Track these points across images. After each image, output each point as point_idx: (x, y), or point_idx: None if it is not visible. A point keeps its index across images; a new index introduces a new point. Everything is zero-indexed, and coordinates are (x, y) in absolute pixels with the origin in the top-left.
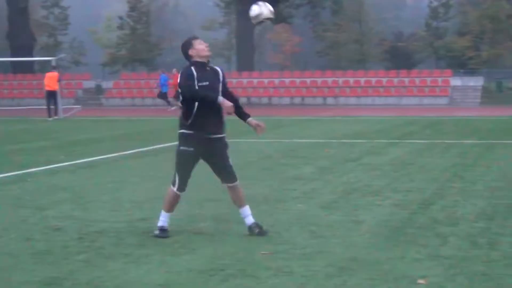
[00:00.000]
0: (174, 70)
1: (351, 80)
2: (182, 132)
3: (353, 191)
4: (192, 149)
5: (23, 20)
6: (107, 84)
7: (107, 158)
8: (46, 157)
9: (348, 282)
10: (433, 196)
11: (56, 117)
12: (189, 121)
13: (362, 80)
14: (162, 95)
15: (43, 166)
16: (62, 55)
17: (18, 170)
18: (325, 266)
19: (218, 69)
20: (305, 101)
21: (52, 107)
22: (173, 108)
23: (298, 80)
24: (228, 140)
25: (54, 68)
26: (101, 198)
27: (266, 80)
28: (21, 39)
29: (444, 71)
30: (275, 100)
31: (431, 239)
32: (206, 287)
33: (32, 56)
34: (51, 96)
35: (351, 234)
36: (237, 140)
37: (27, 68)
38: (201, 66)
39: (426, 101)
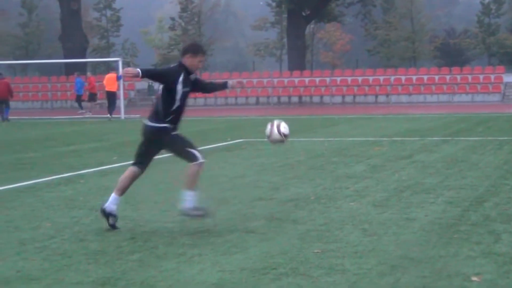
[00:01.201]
0: (89, 74)
1: (403, 78)
2: (165, 126)
3: (405, 189)
4: (173, 125)
5: (76, 22)
6: (159, 85)
7: (159, 158)
8: (98, 158)
9: (401, 280)
10: (486, 193)
11: (110, 117)
12: (167, 118)
13: (414, 77)
14: (77, 98)
15: (95, 168)
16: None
17: (70, 172)
18: (378, 264)
19: (192, 75)
20: (357, 99)
21: (110, 107)
22: (84, 111)
23: (349, 79)
24: None
25: (113, 69)
26: (153, 198)
27: (317, 79)
28: (74, 41)
29: (496, 68)
30: (326, 99)
31: (484, 236)
32: (258, 286)
33: (84, 58)
34: (111, 96)
35: (403, 231)
36: (289, 139)
37: (80, 70)
38: (188, 74)
39: (478, 98)
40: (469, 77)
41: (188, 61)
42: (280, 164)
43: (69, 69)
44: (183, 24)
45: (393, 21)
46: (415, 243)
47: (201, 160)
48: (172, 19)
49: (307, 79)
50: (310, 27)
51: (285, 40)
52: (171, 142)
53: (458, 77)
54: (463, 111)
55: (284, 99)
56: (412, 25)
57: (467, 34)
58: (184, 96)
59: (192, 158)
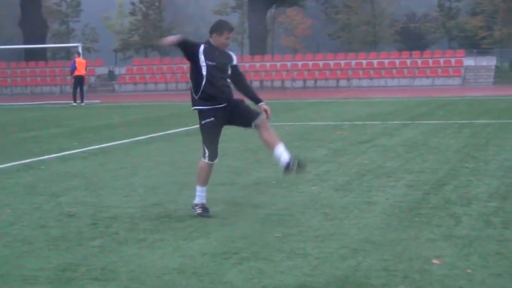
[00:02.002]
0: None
1: (364, 62)
2: (198, 109)
3: (367, 173)
4: (213, 118)
5: (36, 7)
6: (119, 70)
7: (120, 144)
8: (59, 144)
9: (362, 263)
10: (446, 177)
11: (82, 103)
12: (199, 97)
13: (375, 62)
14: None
15: (55, 153)
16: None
17: (30, 158)
18: (339, 248)
19: (232, 54)
20: (318, 84)
21: (78, 92)
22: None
23: (310, 63)
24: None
25: (79, 54)
26: (114, 184)
27: (278, 64)
28: (34, 26)
29: (457, 52)
30: (287, 84)
31: (444, 219)
32: (220, 271)
33: (44, 43)
34: (80, 81)
35: (364, 215)
36: None
37: (40, 55)
38: (213, 48)
39: (439, 82)
40: (430, 61)
41: (215, 40)
42: (242, 148)
43: (29, 55)
44: (143, 9)
45: (353, 6)
46: (376, 227)
47: (206, 161)
48: (133, 4)
49: (268, 64)
50: (271, 12)
51: (246, 24)
52: (199, 128)
53: (419, 61)
54: (424, 95)
55: None
56: (373, 9)
57: (428, 18)
58: (211, 71)
59: (203, 154)
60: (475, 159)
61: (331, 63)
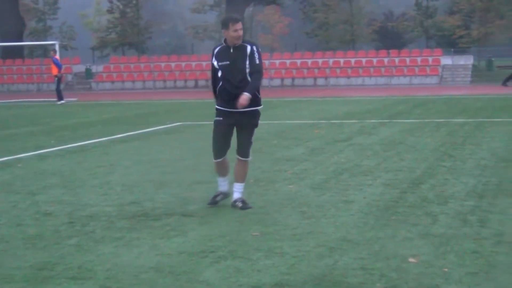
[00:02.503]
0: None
1: (341, 60)
2: (215, 107)
3: (344, 171)
4: (221, 118)
5: (12, 5)
6: (97, 68)
7: (97, 142)
8: (36, 142)
9: (339, 262)
10: (423, 175)
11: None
12: (217, 100)
13: (352, 60)
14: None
15: (32, 152)
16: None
17: (7, 156)
18: (316, 247)
19: (248, 45)
20: (296, 82)
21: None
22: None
23: (288, 62)
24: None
25: (55, 52)
26: (91, 182)
27: None
28: (10, 24)
29: (434, 50)
30: (265, 82)
31: (421, 218)
32: (197, 269)
33: (21, 41)
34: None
35: (341, 214)
36: None
37: (17, 53)
38: (226, 48)
39: (416, 80)
40: (407, 59)
41: (226, 37)
42: None
43: (6, 53)
44: (121, 6)
45: (331, 4)
46: (353, 225)
47: (213, 159)
48: (110, 1)
49: None
50: (249, 10)
51: None
52: None
53: (396, 59)
54: (401, 93)
55: None
56: (351, 8)
57: (405, 17)
58: (225, 71)
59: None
60: (452, 157)
61: (309, 61)
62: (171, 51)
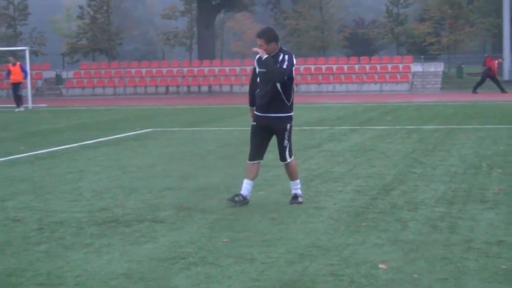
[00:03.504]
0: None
1: (312, 67)
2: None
3: (314, 178)
4: (255, 123)
5: None
6: (67, 74)
7: (67, 148)
8: (5, 148)
9: (309, 268)
10: (393, 182)
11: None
12: (256, 105)
13: (323, 67)
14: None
15: (2, 158)
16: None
17: None
18: (286, 253)
19: (281, 54)
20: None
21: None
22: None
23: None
24: (289, 124)
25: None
26: (61, 188)
27: (227, 69)
28: None
29: (404, 57)
30: (236, 88)
31: (391, 224)
32: (167, 276)
33: None
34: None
35: (312, 220)
36: (198, 129)
37: None
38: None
39: (387, 87)
40: (378, 66)
41: None
42: (190, 153)
43: None
44: (91, 12)
45: (302, 11)
46: (323, 232)
47: (248, 161)
48: (81, 7)
49: (217, 69)
50: (220, 16)
51: (195, 29)
52: None
53: (367, 66)
54: (372, 100)
55: (194, 88)
56: (322, 14)
57: (376, 24)
58: (261, 77)
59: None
60: (422, 164)
61: None
62: (142, 57)
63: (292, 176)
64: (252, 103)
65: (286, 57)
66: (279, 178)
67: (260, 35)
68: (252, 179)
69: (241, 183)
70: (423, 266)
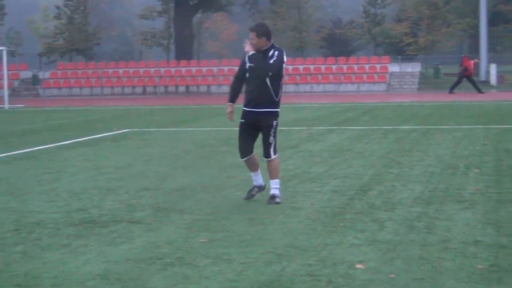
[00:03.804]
0: None
1: (290, 67)
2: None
3: (292, 178)
4: (243, 120)
5: None
6: (44, 74)
7: (44, 149)
8: None
9: (287, 268)
10: (370, 182)
11: None
12: (245, 101)
13: (301, 67)
14: None
15: None
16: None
17: None
18: (264, 253)
19: (272, 50)
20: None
21: None
22: None
23: (236, 69)
24: (276, 120)
25: None
26: (38, 189)
27: (204, 69)
28: None
29: (382, 58)
30: (213, 89)
31: (369, 224)
32: (144, 276)
33: None
34: None
35: (289, 220)
36: (176, 129)
37: None
38: (257, 52)
39: (364, 87)
40: (355, 67)
41: None
42: (167, 154)
43: None
44: (68, 12)
45: (280, 11)
46: (301, 232)
47: (240, 158)
48: (58, 7)
49: (194, 69)
50: (197, 17)
51: (172, 29)
52: None
53: (344, 67)
54: (349, 100)
55: (171, 88)
56: (299, 15)
57: (353, 25)
58: (250, 73)
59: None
60: (399, 164)
61: None
62: (119, 58)
63: (272, 174)
64: (232, 99)
65: (276, 53)
66: None
67: (253, 28)
68: (257, 170)
69: (216, 183)
70: (400, 266)
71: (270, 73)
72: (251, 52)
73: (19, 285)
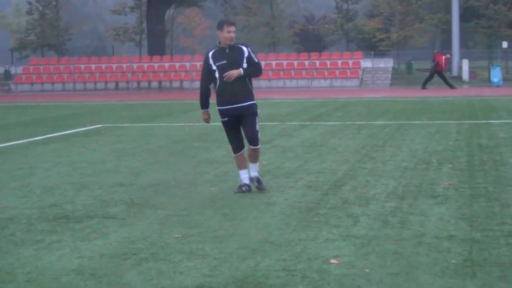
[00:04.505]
0: None
1: (262, 63)
2: (218, 109)
3: (266, 173)
4: (226, 118)
5: None
6: (16, 70)
7: (16, 144)
8: None
9: (261, 263)
10: (344, 177)
11: None
12: (217, 100)
13: (273, 63)
14: None
15: None
16: None
17: None
18: (238, 248)
19: (243, 47)
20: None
21: None
22: None
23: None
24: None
25: None
26: (11, 184)
27: (177, 64)
28: None
29: (354, 53)
30: (186, 84)
31: (343, 219)
32: (118, 272)
33: None
34: None
35: (263, 216)
36: (149, 124)
37: None
38: (221, 49)
39: (337, 83)
40: (328, 62)
41: (220, 38)
42: (140, 149)
43: None
44: (40, 8)
45: (252, 7)
46: (275, 227)
47: (233, 154)
48: (29, 3)
49: (166, 64)
50: (170, 12)
51: (144, 25)
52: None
53: (317, 62)
54: (322, 96)
55: (144, 84)
56: (272, 11)
57: (326, 20)
58: (223, 71)
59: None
60: (373, 159)
61: None
62: (92, 53)
63: (255, 158)
64: (206, 105)
65: (250, 49)
66: (231, 174)
67: (233, 22)
68: (246, 166)
69: (190, 179)
70: (375, 261)
71: (245, 65)
72: (213, 51)
73: None
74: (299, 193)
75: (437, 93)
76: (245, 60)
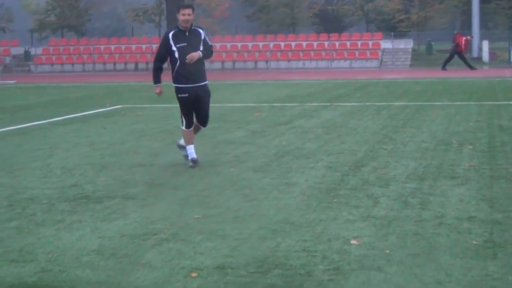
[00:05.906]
0: None
1: (282, 44)
2: (174, 86)
3: (286, 154)
4: (186, 94)
5: None
6: (36, 51)
7: (37, 125)
8: None
9: (282, 244)
10: (364, 158)
11: None
12: (173, 75)
13: (293, 44)
14: None
15: None
16: None
17: None
18: (258, 229)
19: (201, 30)
20: (236, 65)
21: None
22: None
23: (228, 45)
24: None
25: None
26: (31, 165)
27: None
28: None
29: (374, 34)
30: (206, 65)
31: (363, 200)
32: (139, 252)
33: None
34: None
35: (284, 196)
36: (168, 105)
37: None
38: (181, 31)
39: (356, 64)
40: (348, 43)
41: (179, 20)
42: (160, 130)
43: None
44: None
45: None
46: (296, 208)
47: (184, 128)
48: None
49: None
50: None
51: (164, 5)
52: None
53: (337, 43)
54: (342, 77)
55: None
56: None
57: (346, 1)
58: (183, 52)
59: (181, 122)
60: (393, 140)
61: (250, 44)
62: (111, 34)
63: (196, 132)
64: (158, 80)
65: (204, 32)
66: (250, 155)
67: (189, 5)
68: (193, 142)
69: (209, 160)
70: (395, 242)
71: (201, 48)
72: (173, 32)
73: (14, 261)
74: (319, 174)
75: (457, 74)
76: (201, 43)
